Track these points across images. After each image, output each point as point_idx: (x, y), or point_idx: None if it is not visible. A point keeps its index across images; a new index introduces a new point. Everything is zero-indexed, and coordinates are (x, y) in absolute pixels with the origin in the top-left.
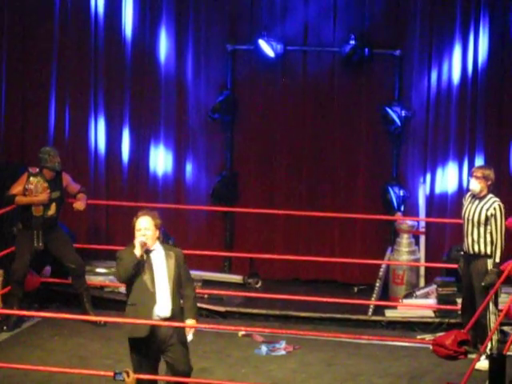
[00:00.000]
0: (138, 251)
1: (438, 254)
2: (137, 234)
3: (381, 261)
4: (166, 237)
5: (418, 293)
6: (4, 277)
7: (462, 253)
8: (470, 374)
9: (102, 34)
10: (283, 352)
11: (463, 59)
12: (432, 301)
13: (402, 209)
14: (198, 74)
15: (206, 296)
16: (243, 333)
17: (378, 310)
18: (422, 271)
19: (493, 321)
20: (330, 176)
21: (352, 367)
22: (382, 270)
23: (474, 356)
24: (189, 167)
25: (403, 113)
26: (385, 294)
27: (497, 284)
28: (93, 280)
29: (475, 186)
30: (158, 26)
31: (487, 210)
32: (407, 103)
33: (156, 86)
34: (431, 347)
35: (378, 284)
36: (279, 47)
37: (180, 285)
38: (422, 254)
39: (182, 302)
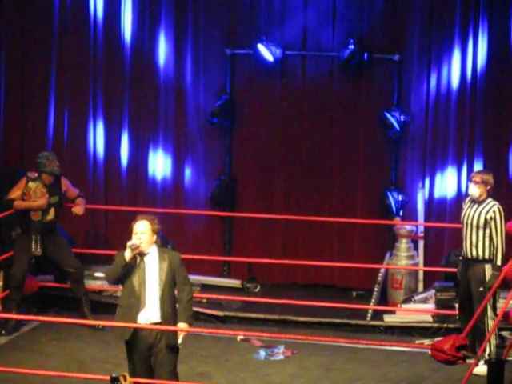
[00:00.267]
0: (127, 254)
1: (436, 259)
2: (133, 237)
3: (379, 265)
4: (165, 241)
5: (417, 298)
6: (3, 281)
7: (461, 257)
8: (468, 379)
9: (102, 38)
10: (282, 357)
11: (462, 64)
12: (431, 306)
13: (401, 214)
14: (196, 78)
15: (204, 300)
16: (242, 337)
17: (377, 314)
18: (421, 276)
19: (491, 326)
20: (328, 181)
21: (350, 372)
22: (380, 274)
23: (472, 361)
24: (188, 171)
25: (402, 117)
26: (383, 298)
27: (493, 287)
28: (91, 284)
29: (474, 191)
30: (157, 30)
31: (486, 213)
32: (406, 108)
33: (155, 90)
34: (430, 352)
35: (376, 289)
36: (278, 52)
37: (173, 288)
38: (420, 259)
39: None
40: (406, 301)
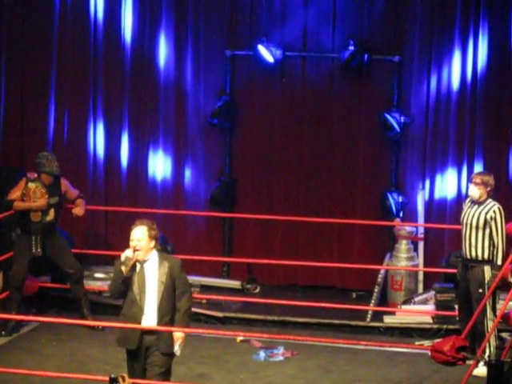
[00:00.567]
0: (124, 268)
1: (436, 260)
2: (130, 243)
3: (379, 266)
4: (165, 242)
5: (417, 299)
6: (2, 282)
7: (460, 258)
8: (468, 380)
9: (102, 39)
10: (281, 358)
11: (462, 65)
12: (430, 307)
13: (401, 215)
14: (197, 79)
15: (204, 301)
16: (241, 338)
17: (377, 315)
18: (421, 277)
19: (490, 327)
20: (328, 182)
21: (350, 373)
22: (380, 275)
23: (471, 362)
24: (188, 172)
25: (402, 119)
26: (383, 299)
27: (492, 287)
28: (91, 285)
29: (474, 192)
30: (158, 30)
31: (486, 213)
32: (406, 109)
33: (155, 91)
34: (429, 353)
35: (376, 290)
36: (278, 53)
37: (172, 296)
38: (420, 260)
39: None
40: (406, 302)
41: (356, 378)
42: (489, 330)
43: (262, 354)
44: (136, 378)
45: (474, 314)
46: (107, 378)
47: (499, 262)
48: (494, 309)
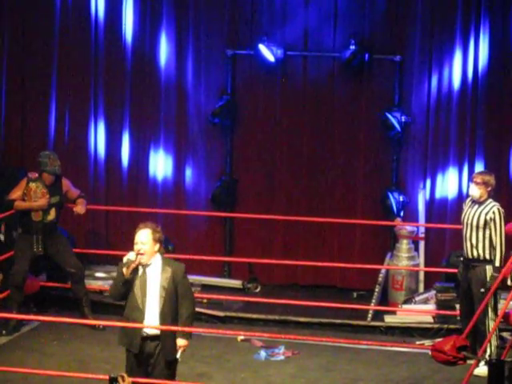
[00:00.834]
0: (125, 270)
1: (437, 260)
2: (134, 246)
3: (380, 266)
4: (166, 242)
5: (418, 298)
6: (2, 281)
7: (462, 258)
8: (469, 380)
9: (103, 38)
10: (282, 357)
11: (463, 65)
12: (431, 306)
13: (402, 214)
14: (198, 78)
15: (205, 301)
16: (242, 338)
17: (377, 315)
18: (422, 277)
19: (491, 327)
20: (329, 181)
21: (351, 373)
22: (381, 275)
23: (472, 362)
24: (188, 172)
25: (403, 118)
26: (384, 299)
27: (492, 288)
28: (92, 284)
29: (475, 191)
30: (159, 30)
31: (486, 214)
32: (407, 109)
33: (156, 90)
34: (430, 353)
35: (377, 289)
36: (279, 52)
37: (174, 301)
38: (421, 260)
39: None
40: (407, 301)
41: (357, 377)
42: (490, 329)
43: (262, 354)
44: (135, 378)
45: (475, 314)
46: (108, 377)
47: (497, 264)
48: (495, 308)
